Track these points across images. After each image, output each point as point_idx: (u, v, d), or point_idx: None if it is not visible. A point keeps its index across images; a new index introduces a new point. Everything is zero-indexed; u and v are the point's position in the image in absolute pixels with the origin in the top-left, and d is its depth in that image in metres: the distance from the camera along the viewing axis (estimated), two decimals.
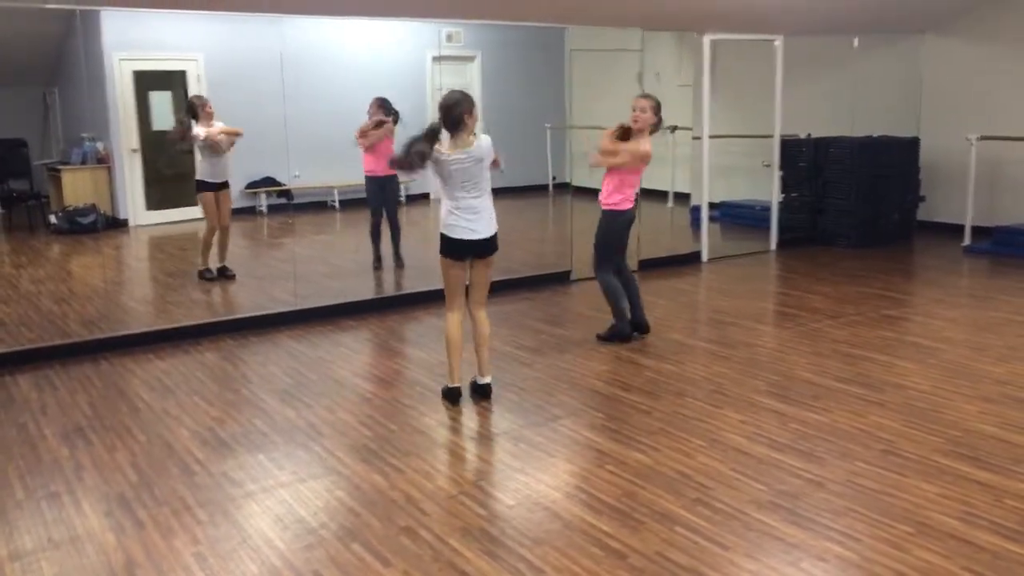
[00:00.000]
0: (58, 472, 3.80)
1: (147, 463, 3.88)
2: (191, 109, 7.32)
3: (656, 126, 5.39)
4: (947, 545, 3.02)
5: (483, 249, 4.41)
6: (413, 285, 7.08)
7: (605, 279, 5.58)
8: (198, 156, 7.29)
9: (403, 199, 11.43)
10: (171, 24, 9.53)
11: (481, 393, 4.63)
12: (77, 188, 10.03)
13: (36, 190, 11.41)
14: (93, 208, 9.84)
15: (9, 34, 9.49)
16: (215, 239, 7.39)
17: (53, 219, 9.82)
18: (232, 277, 7.39)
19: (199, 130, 7.15)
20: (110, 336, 5.78)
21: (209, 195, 7.26)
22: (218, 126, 7.26)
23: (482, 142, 4.33)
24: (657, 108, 5.33)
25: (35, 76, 11.24)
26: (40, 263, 8.74)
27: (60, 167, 10.28)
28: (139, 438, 4.17)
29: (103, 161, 10.08)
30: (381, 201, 7.68)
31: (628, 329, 5.61)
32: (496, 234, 4.45)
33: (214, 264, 7.40)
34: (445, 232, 4.37)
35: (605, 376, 4.96)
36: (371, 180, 7.67)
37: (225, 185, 7.38)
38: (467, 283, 4.54)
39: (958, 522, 3.18)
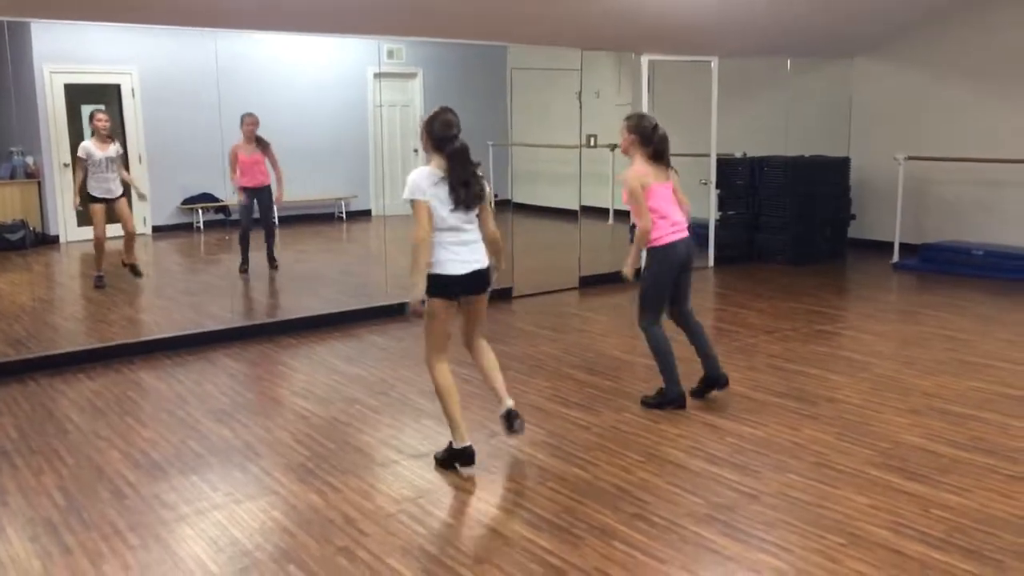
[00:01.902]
0: None
1: (75, 487, 3.76)
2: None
3: (636, 143, 4.51)
4: (877, 555, 3.09)
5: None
6: (357, 302, 7.02)
7: (649, 331, 4.67)
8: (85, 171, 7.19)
9: (343, 215, 11.40)
10: (104, 36, 9.34)
11: (513, 422, 3.97)
12: (5, 203, 9.73)
13: None
14: (22, 224, 9.55)
15: None
16: (124, 244, 7.45)
17: None
18: (140, 275, 7.50)
19: (93, 150, 7.13)
20: (39, 356, 5.60)
21: (98, 206, 7.21)
22: (113, 144, 7.29)
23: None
24: (630, 127, 4.50)
25: None
26: None
27: None
28: (67, 461, 4.05)
29: (33, 176, 9.80)
30: (251, 211, 8.00)
31: (678, 391, 4.67)
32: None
33: (116, 265, 7.43)
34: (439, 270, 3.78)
35: (545, 392, 4.98)
36: (245, 191, 7.99)
37: (119, 197, 7.32)
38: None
39: (888, 532, 3.26)
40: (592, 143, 8.86)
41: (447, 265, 3.74)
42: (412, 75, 11.40)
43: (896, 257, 8.76)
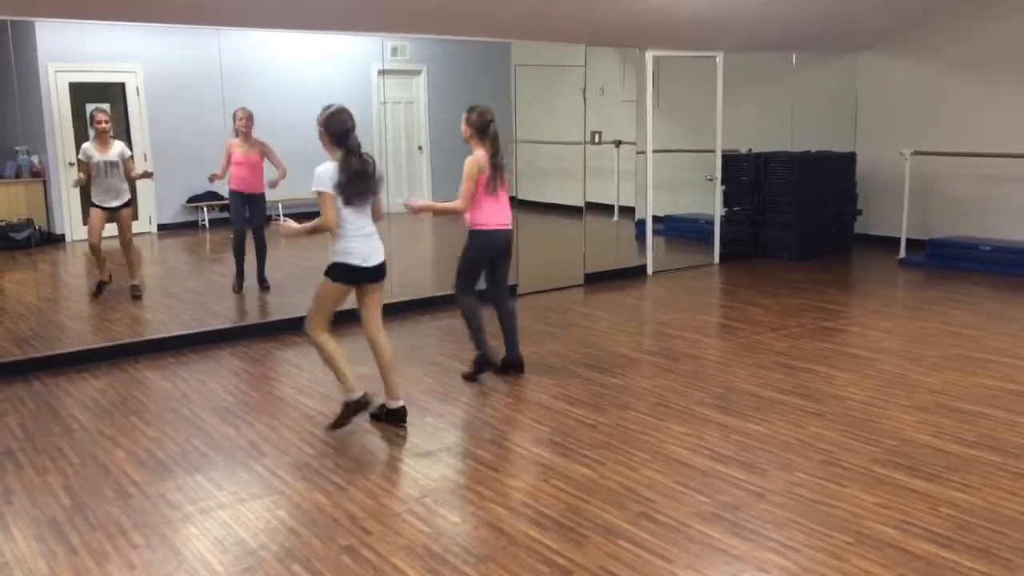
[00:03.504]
0: None
1: (80, 486, 3.76)
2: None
3: (473, 136, 4.84)
4: (884, 554, 3.08)
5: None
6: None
7: (462, 300, 5.09)
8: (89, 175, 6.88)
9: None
10: (108, 35, 9.33)
11: (399, 420, 4.44)
12: (11, 202, 9.74)
13: None
14: (28, 223, 9.56)
15: None
16: (123, 259, 7.12)
17: None
18: (139, 297, 7.02)
19: (93, 152, 6.87)
20: (44, 355, 5.61)
21: (96, 212, 6.93)
22: (117, 145, 6.99)
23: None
24: (468, 120, 4.81)
25: None
26: None
27: None
28: (73, 460, 4.05)
29: (38, 175, 9.81)
30: (245, 219, 7.38)
31: (489, 353, 5.10)
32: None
33: (117, 277, 7.12)
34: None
35: (550, 390, 4.97)
36: (236, 196, 7.42)
37: (123, 207, 7.01)
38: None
39: (895, 531, 3.24)
40: (597, 139, 8.84)
41: (350, 256, 4.17)
42: (416, 72, 11.38)
43: (902, 253, 8.73)
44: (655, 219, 8.65)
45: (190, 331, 6.09)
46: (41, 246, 9.48)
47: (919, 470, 3.78)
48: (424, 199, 5.10)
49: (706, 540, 3.20)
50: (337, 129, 4.11)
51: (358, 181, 4.11)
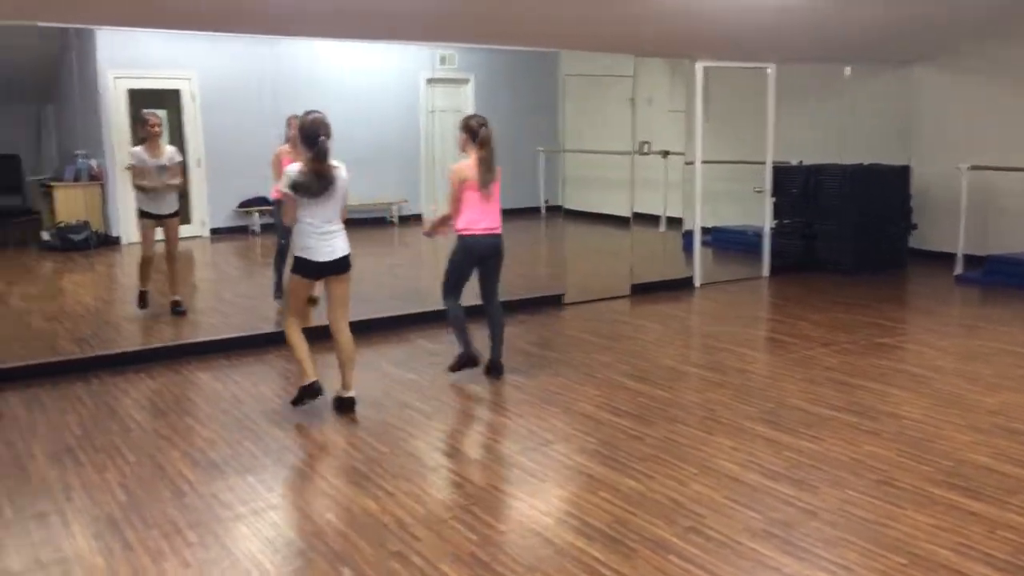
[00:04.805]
0: (46, 492, 3.76)
1: (137, 484, 3.84)
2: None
3: (468, 141, 5.13)
4: None
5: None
6: (404, 307, 7.06)
7: (447, 304, 5.32)
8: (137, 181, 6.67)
9: (395, 220, 11.49)
10: (166, 43, 9.55)
11: (347, 410, 4.77)
12: (70, 205, 10.00)
13: (28, 206, 11.37)
14: (85, 225, 9.81)
15: (4, 51, 9.51)
16: (166, 270, 6.82)
17: (45, 235, 9.77)
18: (183, 313, 6.79)
19: (145, 156, 6.62)
20: (101, 354, 5.75)
21: (148, 222, 6.71)
22: (168, 149, 6.76)
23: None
24: (461, 126, 5.17)
25: (30, 93, 11.24)
26: (31, 280, 8.70)
27: (53, 183, 10.25)
28: (129, 459, 4.14)
29: (96, 178, 10.06)
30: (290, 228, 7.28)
31: (470, 353, 5.35)
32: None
33: (162, 294, 6.87)
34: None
35: (597, 401, 4.95)
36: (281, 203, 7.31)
37: (172, 215, 6.78)
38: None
39: (951, 553, 3.17)
40: (646, 150, 8.81)
41: (305, 252, 4.56)
42: (464, 81, 11.46)
43: (959, 269, 8.54)
44: (702, 230, 8.59)
45: (241, 334, 6.18)
46: (98, 248, 9.72)
47: (976, 492, 3.69)
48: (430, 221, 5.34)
49: (757, 557, 3.16)
50: (310, 132, 4.48)
51: (314, 183, 4.46)
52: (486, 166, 5.11)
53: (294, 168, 4.51)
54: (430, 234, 5.47)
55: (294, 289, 4.70)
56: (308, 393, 4.71)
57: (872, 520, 3.44)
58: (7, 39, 8.90)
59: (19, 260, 9.74)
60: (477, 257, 5.20)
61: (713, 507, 3.57)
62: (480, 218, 5.12)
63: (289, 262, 4.85)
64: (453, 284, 5.27)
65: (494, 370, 5.41)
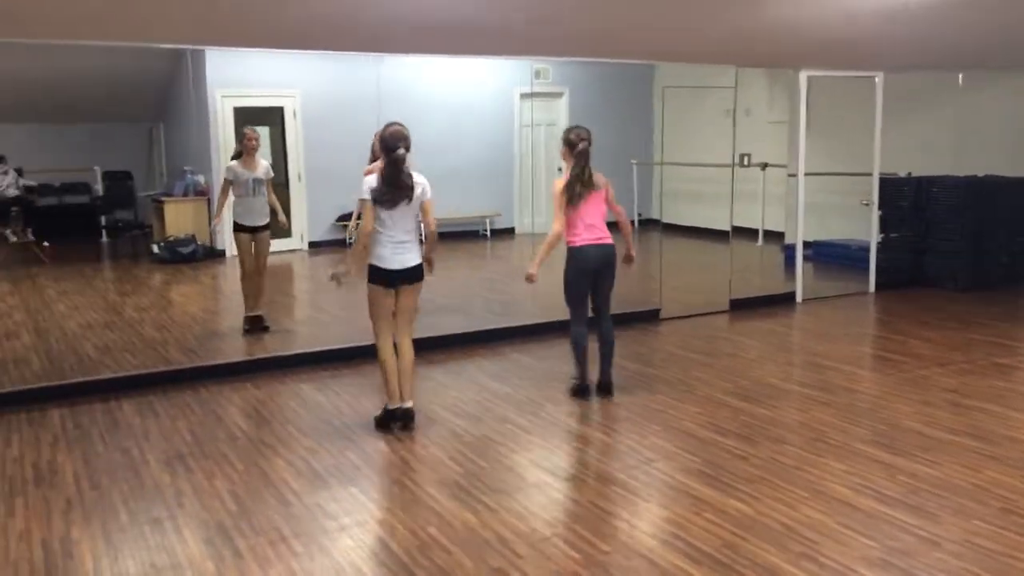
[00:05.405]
0: (160, 498, 3.88)
1: (245, 492, 3.93)
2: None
3: (566, 154, 5.10)
4: None
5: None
6: (502, 321, 7.07)
7: (571, 326, 5.22)
8: (232, 195, 6.67)
9: (488, 233, 11.55)
10: (271, 62, 9.88)
11: (408, 422, 4.75)
12: (179, 219, 10.43)
13: (140, 220, 11.92)
14: (193, 239, 10.20)
15: (120, 72, 9.99)
16: (251, 286, 6.77)
17: (155, 248, 10.21)
18: (266, 329, 6.74)
19: (241, 170, 6.59)
20: (208, 364, 5.93)
21: (244, 236, 6.68)
22: (263, 164, 6.73)
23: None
24: (563, 139, 5.14)
25: (142, 112, 11.80)
26: (143, 291, 9.07)
27: (163, 199, 10.72)
28: (237, 467, 4.24)
29: (203, 193, 10.47)
30: None
31: (581, 384, 5.24)
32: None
33: (250, 312, 6.79)
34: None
35: (698, 419, 4.83)
36: None
37: (264, 228, 6.75)
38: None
39: None
40: (746, 162, 8.62)
41: (377, 260, 4.57)
42: (558, 95, 11.47)
43: None
44: (803, 244, 8.33)
45: (342, 346, 6.27)
46: (204, 260, 10.10)
47: None
48: (533, 265, 5.09)
49: None
50: (390, 143, 4.47)
51: (389, 193, 4.47)
52: (579, 180, 5.05)
53: (372, 178, 4.55)
54: (534, 277, 5.08)
55: (373, 299, 4.68)
56: (393, 418, 4.73)
57: (1000, 552, 3.24)
58: (123, 60, 9.37)
59: (132, 272, 10.19)
60: (587, 268, 5.09)
61: (826, 533, 3.42)
62: (583, 230, 5.06)
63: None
64: (572, 299, 5.17)
65: (603, 390, 5.28)
